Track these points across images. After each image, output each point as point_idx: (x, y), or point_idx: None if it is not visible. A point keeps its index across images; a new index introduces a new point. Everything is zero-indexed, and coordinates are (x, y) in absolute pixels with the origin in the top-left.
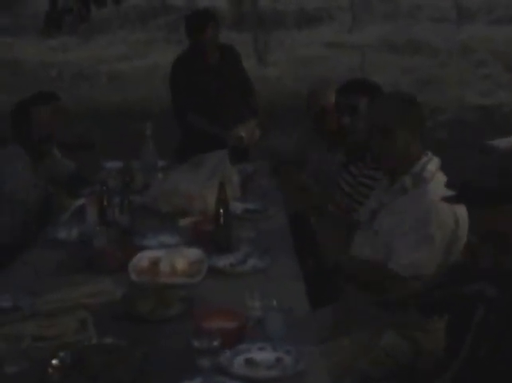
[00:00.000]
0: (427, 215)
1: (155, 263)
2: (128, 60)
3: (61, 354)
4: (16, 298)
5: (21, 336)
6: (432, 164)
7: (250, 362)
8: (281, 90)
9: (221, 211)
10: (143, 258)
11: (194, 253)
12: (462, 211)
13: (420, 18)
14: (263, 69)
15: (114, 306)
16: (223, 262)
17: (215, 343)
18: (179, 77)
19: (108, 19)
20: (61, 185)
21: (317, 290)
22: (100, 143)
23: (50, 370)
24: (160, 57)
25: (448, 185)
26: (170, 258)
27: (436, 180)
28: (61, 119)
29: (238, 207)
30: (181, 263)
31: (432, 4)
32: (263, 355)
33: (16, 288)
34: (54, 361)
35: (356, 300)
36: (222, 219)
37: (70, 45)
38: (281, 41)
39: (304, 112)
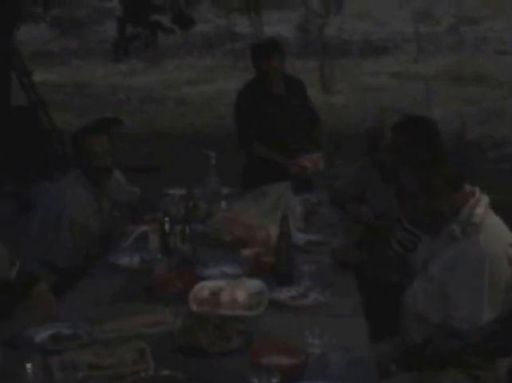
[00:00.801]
0: (479, 266)
1: (215, 294)
2: (194, 85)
3: None
4: (76, 325)
5: (79, 364)
6: (481, 207)
7: None
8: (346, 119)
9: (283, 243)
10: (203, 289)
11: (255, 284)
12: None
13: (485, 50)
14: (328, 97)
15: (173, 336)
16: (284, 294)
17: (274, 380)
18: (244, 105)
19: (176, 45)
20: (125, 211)
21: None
22: (165, 167)
23: None
24: (226, 83)
25: None
26: (231, 290)
27: (487, 226)
28: (121, 145)
29: (300, 238)
30: (242, 295)
31: (497, 37)
32: None
33: (76, 315)
34: None
35: (417, 334)
36: (283, 252)
37: (139, 69)
38: (346, 70)
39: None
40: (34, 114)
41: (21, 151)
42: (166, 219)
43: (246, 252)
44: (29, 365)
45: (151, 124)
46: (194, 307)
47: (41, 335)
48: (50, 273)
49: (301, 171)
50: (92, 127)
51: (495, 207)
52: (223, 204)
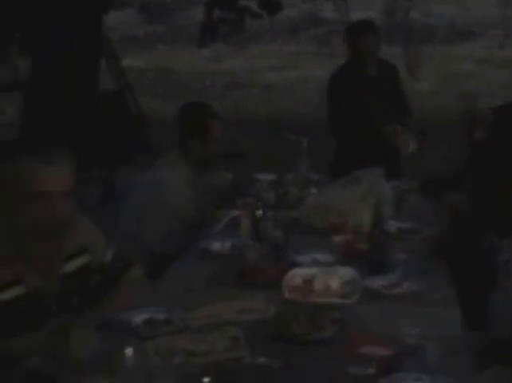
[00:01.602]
0: None
1: (308, 281)
2: (278, 71)
3: (213, 372)
4: (169, 310)
5: (174, 350)
6: None
7: None
8: (432, 105)
9: (376, 230)
10: (296, 276)
11: (348, 272)
12: None
13: None
14: (413, 83)
15: (266, 324)
16: (377, 283)
17: (371, 370)
18: (336, 88)
19: (261, 30)
20: (217, 196)
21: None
22: (251, 152)
23: None
24: (310, 69)
25: None
26: (324, 277)
27: None
28: None
29: (392, 225)
30: (335, 283)
31: None
32: None
33: (168, 300)
34: (206, 380)
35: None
36: (377, 239)
37: (224, 54)
38: (431, 55)
39: (455, 127)
40: (121, 99)
41: (106, 135)
42: (258, 204)
43: (338, 239)
44: (129, 350)
45: (236, 110)
46: (287, 294)
47: (135, 320)
48: (144, 258)
49: (393, 134)
50: (212, 111)
51: None
52: (314, 190)
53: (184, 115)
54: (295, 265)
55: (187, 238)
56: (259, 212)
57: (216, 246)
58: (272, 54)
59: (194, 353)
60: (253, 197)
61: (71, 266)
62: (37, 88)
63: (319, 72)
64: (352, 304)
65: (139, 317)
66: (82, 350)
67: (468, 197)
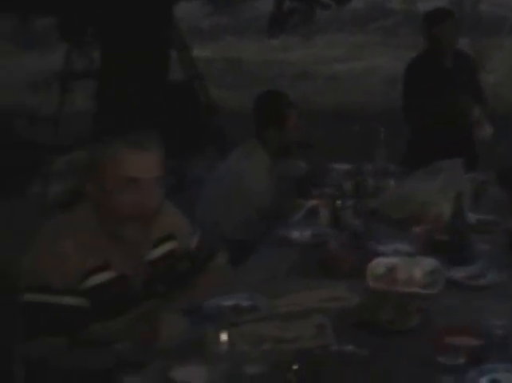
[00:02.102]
0: None
1: (391, 271)
2: (345, 61)
3: (302, 359)
4: (253, 297)
5: (263, 337)
6: None
7: None
8: (500, 97)
9: (457, 221)
10: (379, 265)
11: (430, 263)
12: None
13: None
14: (483, 75)
15: (350, 312)
16: (460, 274)
17: (461, 360)
18: (412, 79)
19: (327, 21)
20: (293, 185)
21: None
22: (321, 143)
23: (290, 375)
24: (377, 60)
25: None
26: (407, 267)
27: None
28: None
29: (471, 217)
30: (418, 273)
31: None
32: (509, 377)
33: (250, 288)
34: (295, 367)
35: None
36: (458, 230)
37: (291, 44)
38: (500, 46)
39: None
40: (191, 88)
41: (176, 125)
42: (336, 193)
43: (418, 229)
44: (219, 336)
45: (304, 100)
46: (370, 283)
47: (221, 306)
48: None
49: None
50: (289, 100)
51: None
52: (392, 181)
53: (261, 104)
54: (375, 254)
55: (264, 228)
56: (338, 202)
57: (295, 234)
58: (338, 45)
59: (282, 340)
60: (330, 187)
61: (158, 252)
62: (109, 78)
63: (385, 63)
64: (435, 294)
65: (224, 304)
66: (170, 336)
67: None
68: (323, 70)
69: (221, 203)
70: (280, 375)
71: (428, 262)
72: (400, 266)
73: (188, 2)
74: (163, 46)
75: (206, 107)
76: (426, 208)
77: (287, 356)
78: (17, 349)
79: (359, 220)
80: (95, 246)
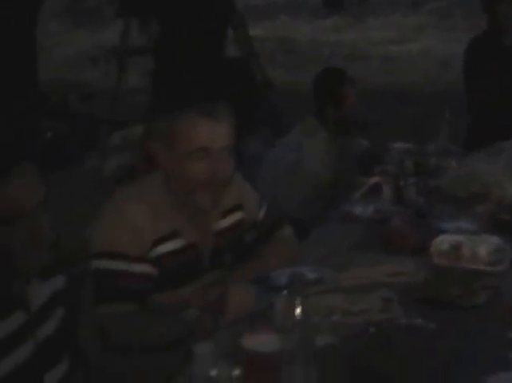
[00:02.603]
0: None
1: (456, 248)
2: (399, 43)
3: (371, 330)
4: (318, 270)
5: (331, 309)
6: None
7: None
8: None
9: None
10: (443, 242)
11: (495, 241)
12: None
13: None
14: None
15: (416, 288)
16: None
17: None
18: (472, 59)
19: (382, 2)
20: (354, 162)
21: None
22: (376, 123)
23: (359, 345)
24: (431, 42)
25: None
26: (471, 244)
27: None
28: None
29: None
30: (483, 250)
31: None
32: None
33: (315, 261)
34: (364, 339)
35: None
36: None
37: (343, 25)
38: None
39: None
40: (246, 66)
41: (232, 102)
42: (398, 171)
43: (481, 209)
44: (293, 306)
45: (358, 81)
46: (435, 259)
47: (287, 278)
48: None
49: None
50: (348, 77)
51: None
52: (453, 161)
53: (320, 81)
54: (438, 232)
55: (323, 206)
56: (401, 179)
57: (359, 210)
58: (392, 27)
59: (350, 313)
60: (391, 164)
61: (226, 222)
62: (167, 54)
63: (440, 45)
64: (500, 272)
65: (291, 275)
66: (239, 306)
67: None
68: (377, 51)
69: (280, 181)
70: (349, 347)
71: (493, 241)
72: (465, 243)
73: None
74: (222, 23)
75: (262, 85)
76: (489, 188)
77: (354, 328)
78: (84, 318)
79: (421, 198)
80: (165, 214)
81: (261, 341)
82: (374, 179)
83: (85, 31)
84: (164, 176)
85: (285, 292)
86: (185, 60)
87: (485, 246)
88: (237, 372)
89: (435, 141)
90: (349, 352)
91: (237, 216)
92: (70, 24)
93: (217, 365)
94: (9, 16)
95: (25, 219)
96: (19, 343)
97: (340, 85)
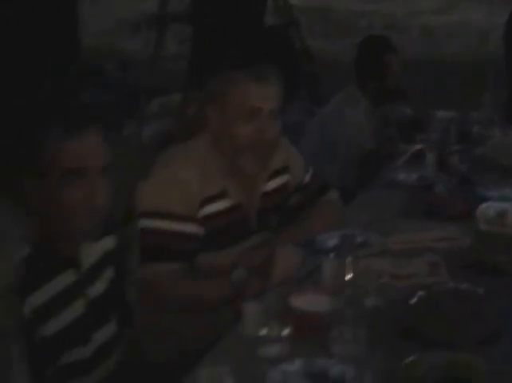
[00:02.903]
0: None
1: (501, 214)
2: (440, 14)
3: (420, 294)
4: (365, 234)
5: (379, 271)
6: None
7: None
8: None
9: None
10: (489, 208)
11: None
12: None
13: None
14: None
15: (462, 253)
16: None
17: None
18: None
19: None
20: (397, 130)
21: None
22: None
23: (407, 307)
24: (472, 13)
25: None
26: None
27: None
28: None
29: None
30: None
31: None
32: None
33: (361, 226)
34: (412, 301)
35: None
36: None
37: None
38: None
39: None
40: (286, 34)
41: None
42: (442, 139)
43: None
44: (341, 268)
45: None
46: (481, 225)
47: (333, 241)
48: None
49: None
50: (391, 45)
51: None
52: (497, 130)
53: (364, 49)
54: (482, 199)
55: (368, 173)
56: (444, 146)
57: (402, 177)
58: None
59: (398, 276)
60: (435, 132)
61: (272, 184)
62: (205, 21)
63: (479, 16)
64: None
65: (337, 239)
66: (286, 267)
67: None
68: (415, 22)
69: (322, 150)
70: (397, 310)
71: None
72: (510, 210)
73: None
74: None
75: (302, 53)
76: None
77: (402, 291)
78: (132, 280)
79: (465, 166)
80: (212, 175)
81: (310, 302)
82: (417, 147)
83: None
84: (211, 139)
85: (332, 254)
86: (225, 28)
87: None
88: (286, 331)
89: (478, 111)
90: (397, 315)
91: (283, 179)
92: None
93: (266, 325)
94: None
95: (87, 180)
96: (70, 301)
97: (384, 53)
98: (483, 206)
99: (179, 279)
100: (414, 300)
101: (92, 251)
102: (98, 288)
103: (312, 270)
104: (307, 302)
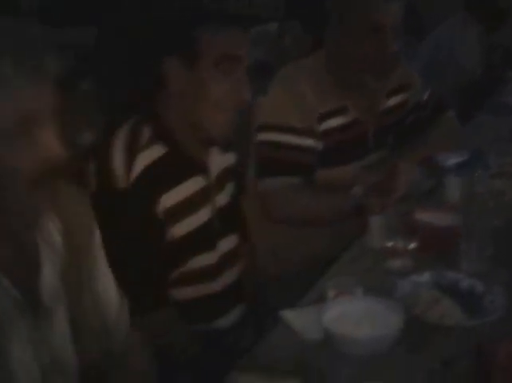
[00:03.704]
0: None
1: None
2: None
3: None
4: (484, 155)
5: (503, 191)
6: None
7: None
8: None
9: None
10: None
11: None
12: None
13: None
14: None
15: None
16: None
17: None
18: None
19: None
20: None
21: None
22: None
23: None
24: None
25: None
26: None
27: None
28: None
29: None
30: None
31: None
32: None
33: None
34: None
35: None
36: None
37: None
38: None
39: None
40: None
41: None
42: None
43: None
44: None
45: None
46: None
47: (451, 160)
48: None
49: None
50: None
51: None
52: None
53: None
54: None
55: (477, 98)
56: None
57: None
58: None
59: None
60: None
61: (391, 102)
62: None
63: None
64: None
65: (453, 159)
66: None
67: None
68: None
69: (431, 75)
70: None
71: None
72: None
73: None
74: None
75: None
76: None
77: None
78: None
79: None
80: (331, 91)
81: (436, 217)
82: None
83: None
84: (328, 57)
85: (455, 172)
86: None
87: None
88: (412, 245)
89: None
90: None
91: (402, 97)
92: None
93: (392, 238)
94: None
95: (235, 76)
96: (199, 206)
97: None
98: None
99: (297, 193)
100: None
101: (218, 162)
102: (222, 199)
103: (432, 188)
104: (433, 217)
